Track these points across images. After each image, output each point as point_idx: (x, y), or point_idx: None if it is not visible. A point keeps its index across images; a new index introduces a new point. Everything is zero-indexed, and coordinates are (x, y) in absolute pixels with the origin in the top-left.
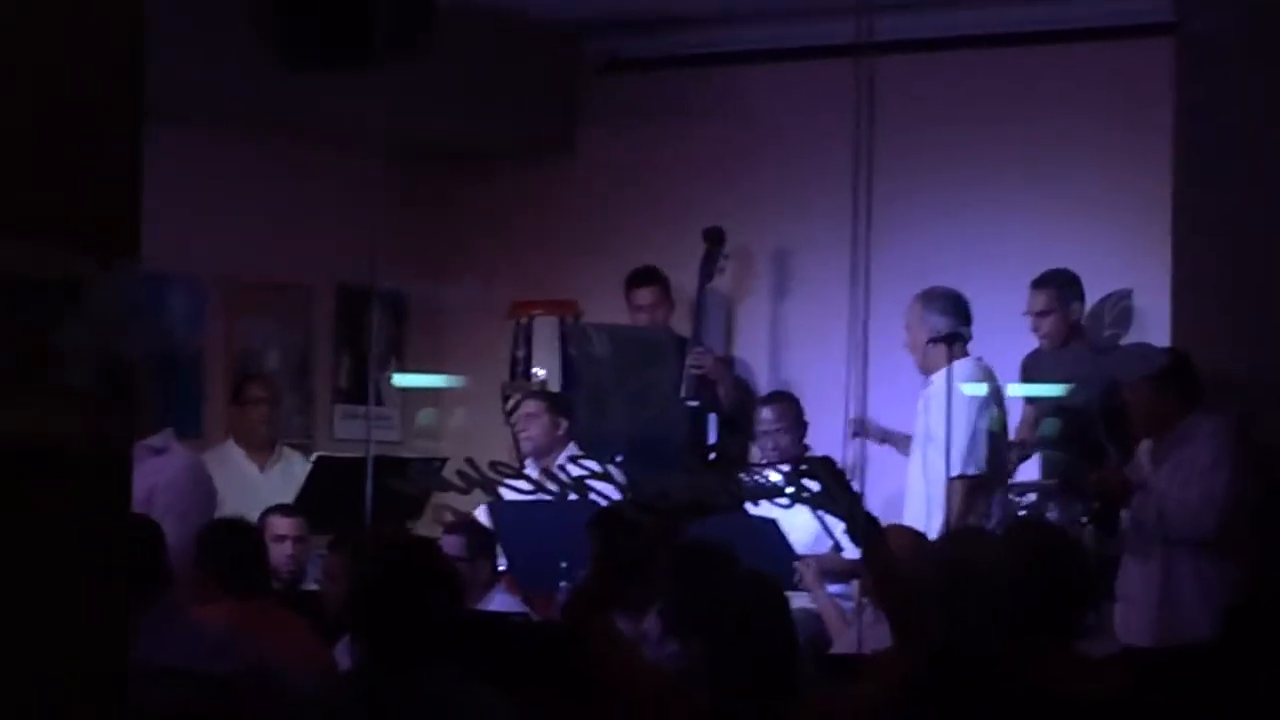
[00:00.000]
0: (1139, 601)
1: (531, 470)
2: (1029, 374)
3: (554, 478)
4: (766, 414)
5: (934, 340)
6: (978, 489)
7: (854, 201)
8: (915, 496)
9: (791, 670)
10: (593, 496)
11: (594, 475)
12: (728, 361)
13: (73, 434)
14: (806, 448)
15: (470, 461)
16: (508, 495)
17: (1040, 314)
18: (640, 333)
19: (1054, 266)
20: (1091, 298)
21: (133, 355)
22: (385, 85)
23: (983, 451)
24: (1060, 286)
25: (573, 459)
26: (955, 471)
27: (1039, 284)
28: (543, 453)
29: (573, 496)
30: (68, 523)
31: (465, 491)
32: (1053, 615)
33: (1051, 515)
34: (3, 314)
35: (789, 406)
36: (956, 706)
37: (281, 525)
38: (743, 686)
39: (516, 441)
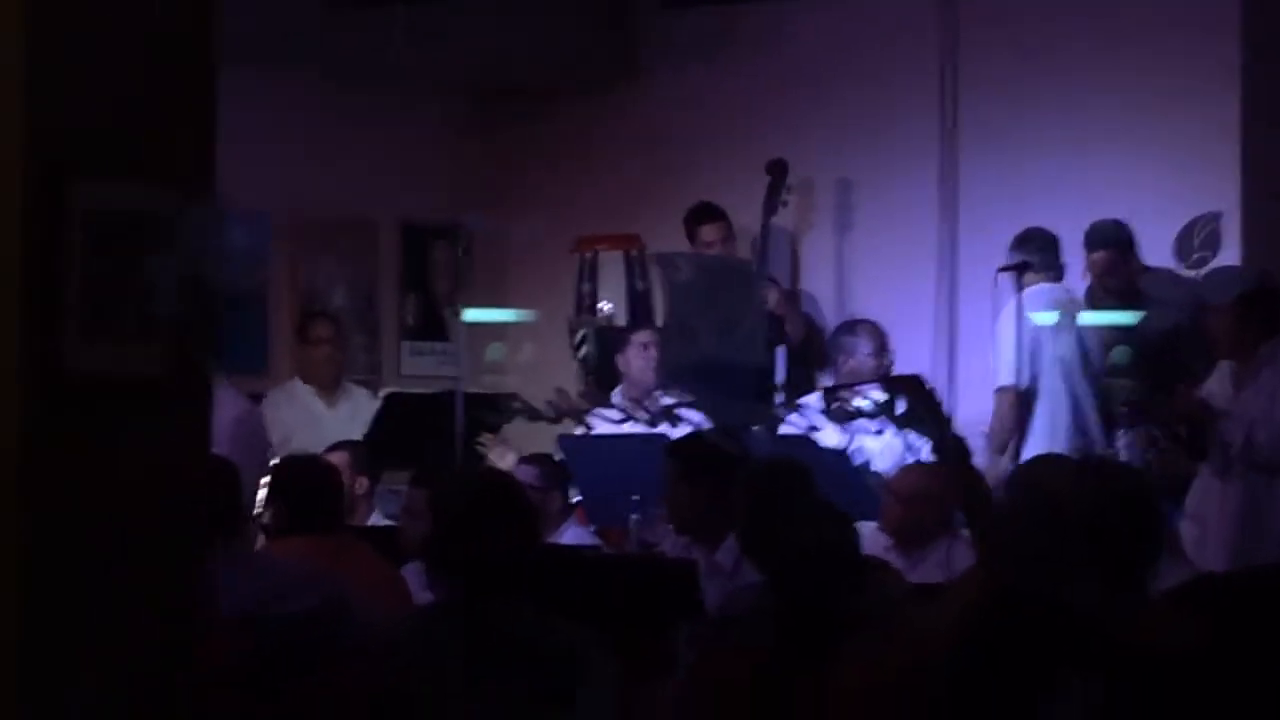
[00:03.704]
0: (1217, 524)
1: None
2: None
3: (644, 407)
4: (852, 341)
5: (1002, 269)
6: (1020, 403)
7: (941, 129)
8: None
9: (855, 600)
10: (681, 425)
11: (683, 404)
12: (794, 296)
13: (156, 368)
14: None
15: (560, 390)
16: (597, 426)
17: (1102, 275)
18: (726, 261)
19: (1105, 218)
20: (1180, 221)
21: (213, 290)
22: (448, 22)
23: (1027, 367)
24: (1116, 246)
25: (660, 388)
26: (999, 383)
27: (1094, 245)
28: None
29: (664, 425)
30: (153, 455)
31: (555, 421)
32: (1121, 561)
33: (1124, 445)
34: (86, 250)
35: (874, 332)
36: (1022, 641)
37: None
38: (810, 611)
39: (587, 373)
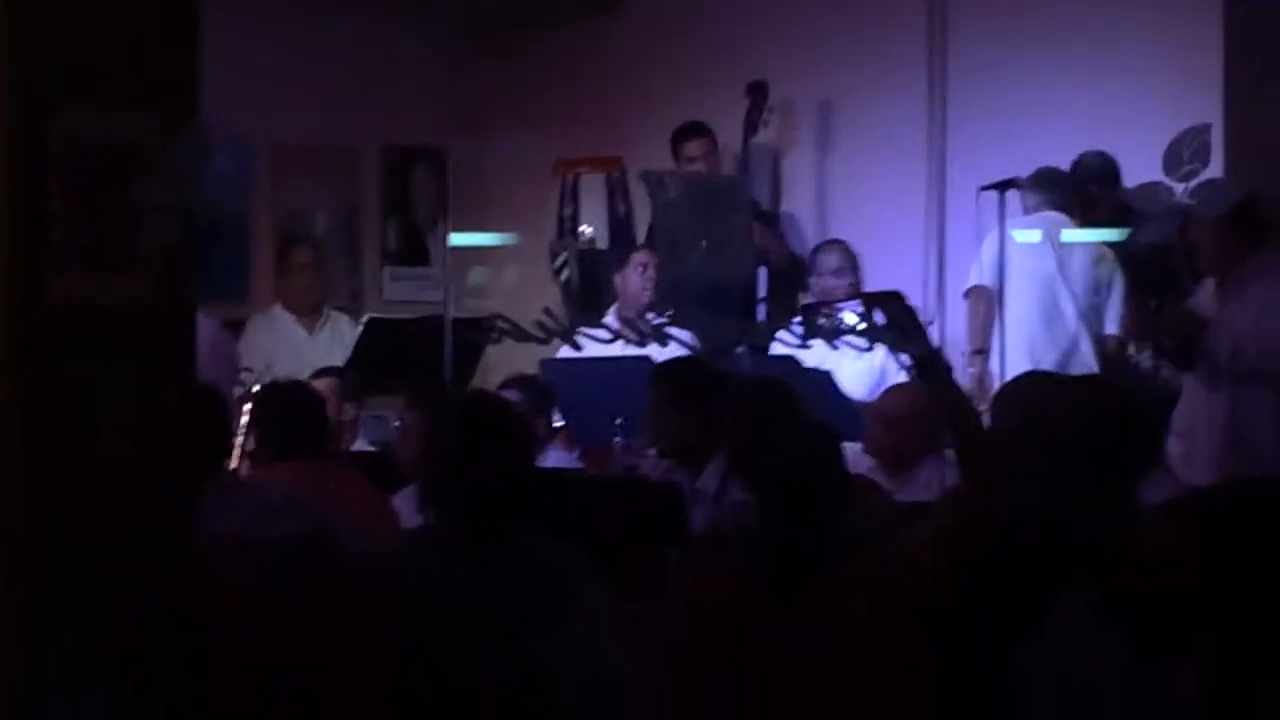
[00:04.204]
0: (1204, 437)
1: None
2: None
3: (635, 327)
4: (823, 260)
5: (984, 187)
6: (991, 300)
7: (928, 49)
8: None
9: (844, 519)
10: (671, 345)
11: (673, 323)
12: (773, 221)
13: (141, 295)
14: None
15: (548, 311)
16: (586, 348)
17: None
18: (714, 180)
19: (1088, 150)
20: (1171, 132)
21: (198, 216)
22: None
23: (1000, 275)
24: (1100, 181)
25: (652, 308)
26: (970, 284)
27: (1081, 183)
28: (637, 303)
29: (654, 345)
30: (139, 382)
31: (544, 341)
32: (1112, 476)
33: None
34: (70, 180)
35: (840, 251)
36: (1010, 556)
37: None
38: (798, 529)
39: (569, 296)
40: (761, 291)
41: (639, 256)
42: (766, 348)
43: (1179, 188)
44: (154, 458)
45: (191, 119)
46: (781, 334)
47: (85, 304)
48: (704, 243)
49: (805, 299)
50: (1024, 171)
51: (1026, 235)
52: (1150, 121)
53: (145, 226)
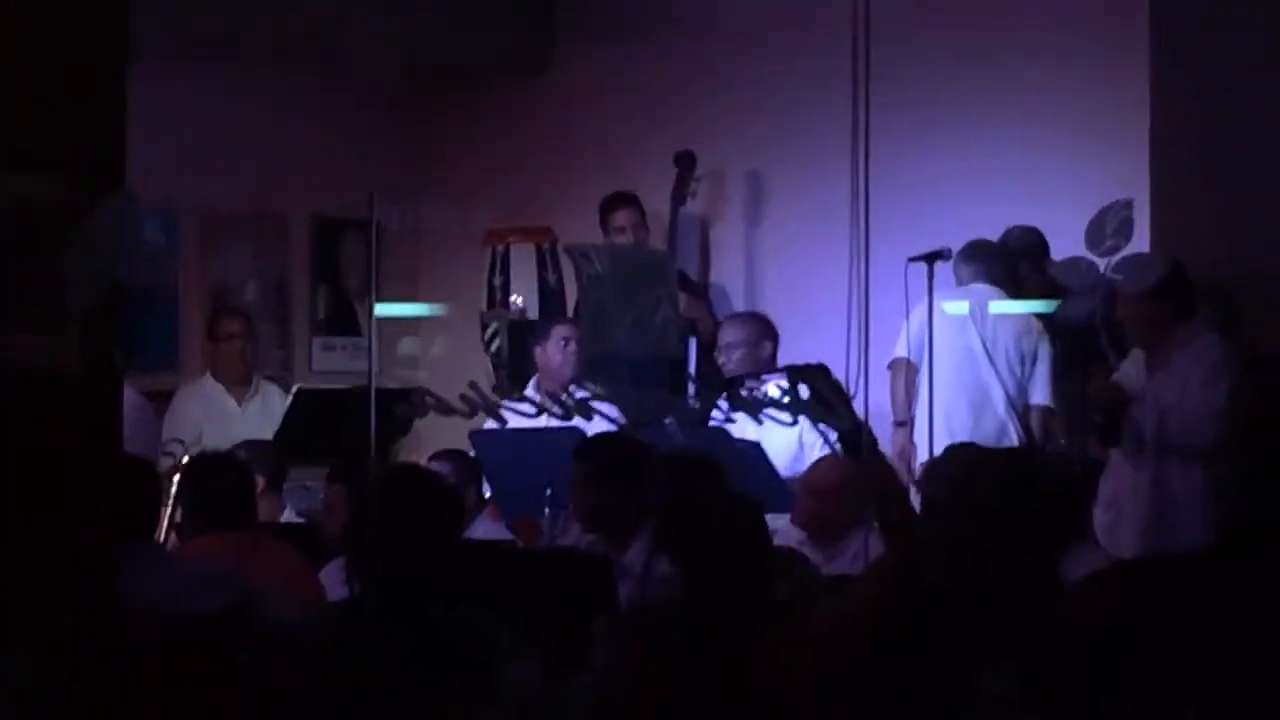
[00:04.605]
0: (1129, 509)
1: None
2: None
3: (559, 401)
4: (726, 332)
5: (913, 259)
6: (913, 373)
7: (854, 118)
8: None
9: (766, 592)
10: (596, 420)
11: (598, 397)
12: (701, 292)
13: (67, 363)
14: (774, 364)
15: (474, 385)
16: (511, 420)
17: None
18: (640, 254)
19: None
20: (1093, 208)
21: (126, 284)
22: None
23: (928, 349)
24: (1029, 256)
25: (575, 382)
26: (893, 356)
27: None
28: (559, 377)
29: (578, 419)
30: (63, 450)
31: (469, 415)
32: (1038, 549)
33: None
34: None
35: (751, 323)
36: (935, 629)
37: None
38: (722, 603)
39: (499, 367)
40: (692, 362)
41: (560, 330)
42: (697, 419)
43: (1102, 262)
44: (76, 528)
45: (117, 188)
46: (714, 411)
47: (10, 369)
48: (630, 316)
49: (729, 370)
50: (953, 242)
51: (955, 307)
52: (1077, 193)
53: (70, 295)
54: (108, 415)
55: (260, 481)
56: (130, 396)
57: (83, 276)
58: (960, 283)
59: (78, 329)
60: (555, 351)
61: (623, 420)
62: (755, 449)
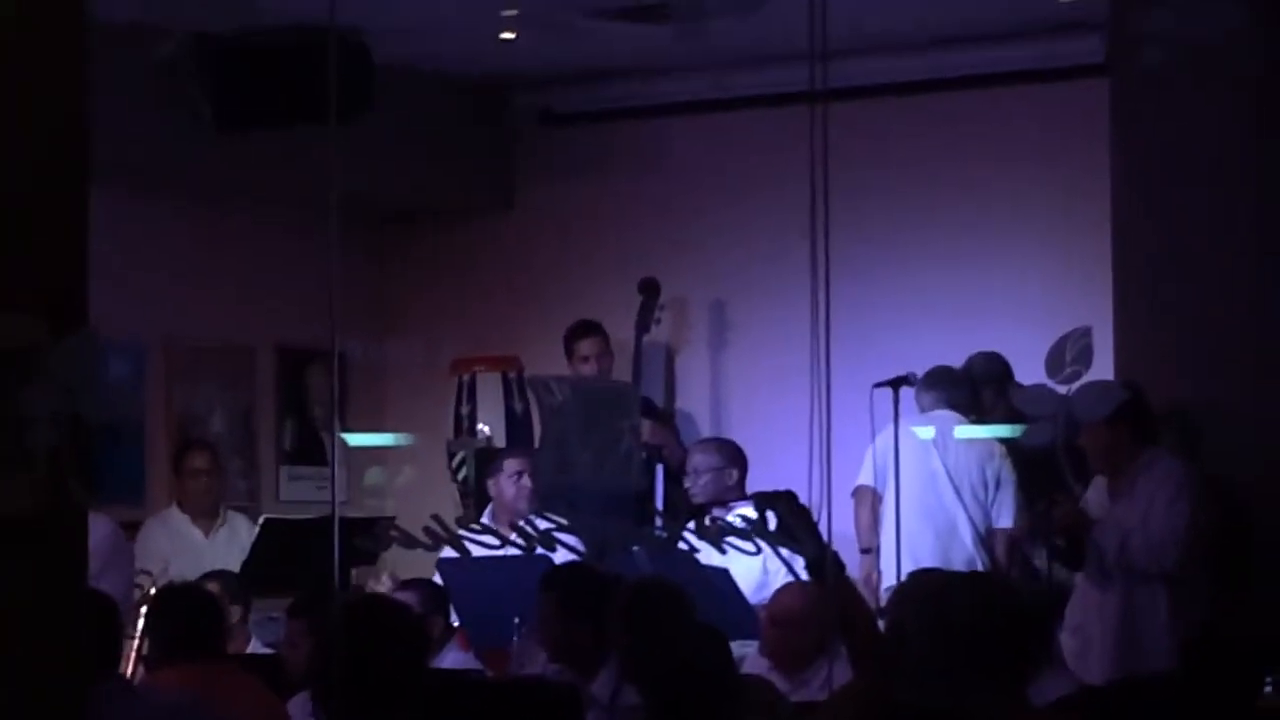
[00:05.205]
0: (1096, 634)
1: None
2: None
3: (522, 532)
4: (694, 458)
5: (878, 384)
6: (877, 501)
7: (812, 248)
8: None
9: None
10: (560, 551)
11: (561, 528)
12: (667, 419)
13: (30, 502)
14: (742, 490)
15: (437, 518)
16: (475, 553)
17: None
18: (601, 384)
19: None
20: (1052, 335)
21: (89, 420)
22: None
23: (892, 475)
24: (994, 382)
25: (538, 513)
26: (857, 483)
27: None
28: (512, 511)
29: (540, 550)
30: (28, 590)
31: (432, 548)
32: (1007, 673)
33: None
34: None
35: (718, 450)
36: None
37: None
38: None
39: (466, 495)
40: (659, 489)
41: (512, 464)
42: (662, 548)
43: (1062, 389)
44: (41, 665)
45: (80, 324)
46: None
47: None
48: (592, 447)
49: (696, 495)
50: (916, 367)
51: (920, 433)
52: (1038, 319)
53: (33, 432)
54: (72, 552)
55: (236, 611)
56: (103, 525)
57: (44, 414)
58: (922, 409)
59: (41, 467)
60: (508, 485)
61: (583, 550)
62: (723, 575)
